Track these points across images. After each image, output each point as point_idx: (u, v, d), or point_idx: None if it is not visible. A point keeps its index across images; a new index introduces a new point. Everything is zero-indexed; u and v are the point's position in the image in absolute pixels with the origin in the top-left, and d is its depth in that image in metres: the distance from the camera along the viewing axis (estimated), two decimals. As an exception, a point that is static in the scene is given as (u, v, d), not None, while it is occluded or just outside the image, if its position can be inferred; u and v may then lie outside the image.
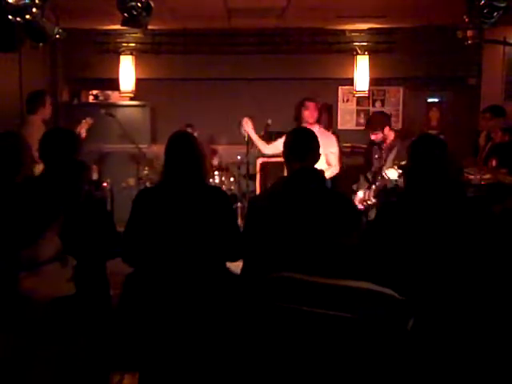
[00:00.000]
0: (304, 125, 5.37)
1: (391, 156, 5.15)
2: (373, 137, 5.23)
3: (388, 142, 5.25)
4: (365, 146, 6.85)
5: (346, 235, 1.76)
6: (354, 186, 5.51)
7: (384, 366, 1.64)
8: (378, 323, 1.63)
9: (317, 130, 5.24)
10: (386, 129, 5.19)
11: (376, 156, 5.37)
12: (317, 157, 2.99)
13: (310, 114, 5.51)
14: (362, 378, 1.64)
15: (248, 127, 5.73)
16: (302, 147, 2.97)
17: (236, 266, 3.06)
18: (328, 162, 5.46)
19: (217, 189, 3.19)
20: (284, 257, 2.31)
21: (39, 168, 5.12)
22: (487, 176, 4.97)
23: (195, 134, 6.45)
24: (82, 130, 5.77)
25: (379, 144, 5.34)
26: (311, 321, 1.66)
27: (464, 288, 2.41)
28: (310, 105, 5.56)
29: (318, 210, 1.84)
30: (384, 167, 5.07)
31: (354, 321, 1.62)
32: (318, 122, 5.66)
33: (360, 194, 5.27)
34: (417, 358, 1.94)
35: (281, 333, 1.69)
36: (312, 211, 1.87)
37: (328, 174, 5.11)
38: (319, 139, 3.01)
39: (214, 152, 7.24)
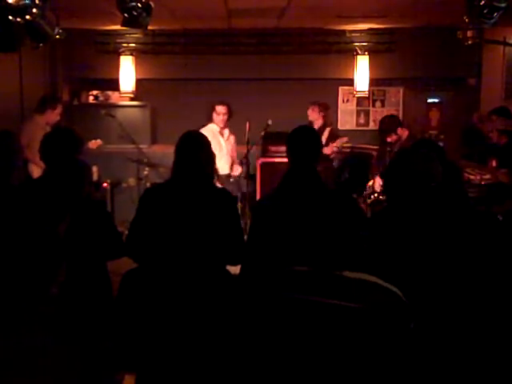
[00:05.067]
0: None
1: None
2: (389, 139, 5.60)
3: (402, 140, 5.58)
4: (365, 146, 6.90)
5: (351, 234, 1.76)
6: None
7: (384, 362, 1.65)
8: (382, 318, 1.65)
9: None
10: (399, 129, 5.61)
11: (388, 159, 5.66)
12: (317, 155, 2.99)
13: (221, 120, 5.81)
14: (363, 369, 1.65)
15: None
16: (301, 146, 2.97)
17: (234, 268, 3.05)
18: None
19: (224, 191, 3.18)
20: (289, 255, 2.31)
21: (35, 168, 5.17)
22: (487, 176, 4.98)
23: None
24: (93, 147, 5.93)
25: (391, 145, 5.67)
26: (317, 311, 1.67)
27: (465, 293, 2.39)
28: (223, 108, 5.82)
29: (323, 209, 1.84)
30: None
31: (359, 312, 1.64)
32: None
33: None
34: (415, 359, 1.95)
35: (286, 323, 1.69)
36: (316, 211, 1.86)
37: None
38: None
39: None
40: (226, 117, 5.84)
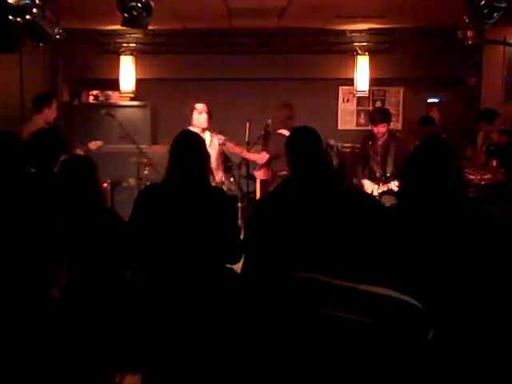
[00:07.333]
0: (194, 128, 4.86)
1: (390, 159, 5.23)
2: (382, 129, 5.27)
3: (383, 138, 5.34)
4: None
5: (372, 234, 1.71)
6: (355, 181, 5.56)
7: (400, 374, 1.61)
8: (398, 331, 1.59)
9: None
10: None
11: (371, 153, 5.45)
12: (318, 155, 2.98)
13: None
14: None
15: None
16: (302, 147, 2.96)
17: (238, 267, 3.05)
18: None
19: (219, 190, 3.18)
20: (297, 258, 2.30)
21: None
22: (487, 176, 5.00)
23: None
24: (93, 147, 5.94)
25: (374, 140, 5.40)
26: (329, 323, 1.63)
27: (478, 297, 2.36)
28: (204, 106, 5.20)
29: (339, 210, 1.79)
30: (387, 169, 5.22)
31: (372, 326, 1.59)
32: None
33: (368, 189, 5.33)
34: (434, 369, 1.90)
35: (297, 332, 1.66)
36: (329, 211, 1.81)
37: None
38: None
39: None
40: (208, 116, 5.21)
